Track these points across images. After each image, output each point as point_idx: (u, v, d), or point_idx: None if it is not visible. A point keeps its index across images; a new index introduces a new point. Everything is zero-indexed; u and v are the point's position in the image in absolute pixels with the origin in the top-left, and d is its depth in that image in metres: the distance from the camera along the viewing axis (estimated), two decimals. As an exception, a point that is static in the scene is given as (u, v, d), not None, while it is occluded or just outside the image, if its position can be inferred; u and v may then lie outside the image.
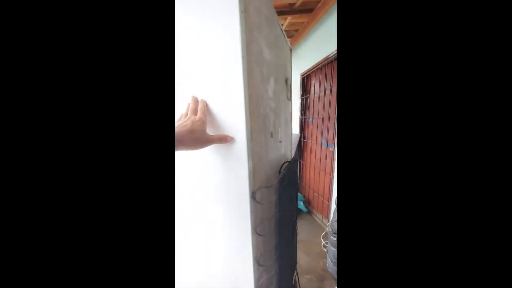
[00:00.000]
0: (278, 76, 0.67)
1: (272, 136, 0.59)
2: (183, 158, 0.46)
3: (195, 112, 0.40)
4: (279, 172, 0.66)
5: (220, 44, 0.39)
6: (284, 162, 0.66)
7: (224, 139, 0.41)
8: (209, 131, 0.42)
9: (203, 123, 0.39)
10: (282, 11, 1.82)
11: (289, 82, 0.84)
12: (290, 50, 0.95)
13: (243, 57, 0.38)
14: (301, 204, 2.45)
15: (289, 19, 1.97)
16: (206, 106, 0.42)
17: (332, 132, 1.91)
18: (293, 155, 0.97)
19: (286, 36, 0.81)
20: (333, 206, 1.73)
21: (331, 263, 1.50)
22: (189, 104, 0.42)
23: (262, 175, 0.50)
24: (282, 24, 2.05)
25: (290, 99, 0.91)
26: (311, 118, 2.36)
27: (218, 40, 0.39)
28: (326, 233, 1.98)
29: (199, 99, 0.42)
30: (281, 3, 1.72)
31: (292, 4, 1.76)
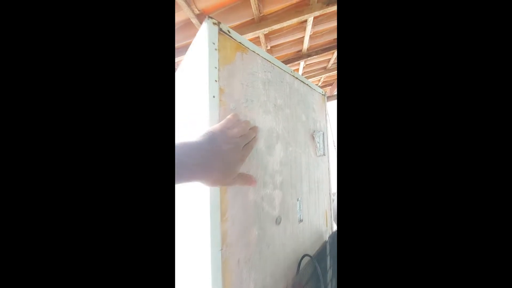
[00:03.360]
0: (295, 137, 0.55)
1: (277, 221, 0.45)
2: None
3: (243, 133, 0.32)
4: (297, 269, 0.47)
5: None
6: (304, 256, 0.48)
7: (249, 181, 0.32)
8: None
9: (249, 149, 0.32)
10: (328, 48, 1.74)
11: (318, 135, 0.69)
12: (323, 95, 0.81)
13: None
14: None
15: (336, 53, 1.84)
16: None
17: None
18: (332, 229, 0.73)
19: (309, 84, 0.70)
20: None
21: None
22: (234, 117, 0.33)
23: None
24: (329, 60, 1.93)
25: (324, 154, 0.74)
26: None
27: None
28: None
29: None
30: (326, 40, 1.65)
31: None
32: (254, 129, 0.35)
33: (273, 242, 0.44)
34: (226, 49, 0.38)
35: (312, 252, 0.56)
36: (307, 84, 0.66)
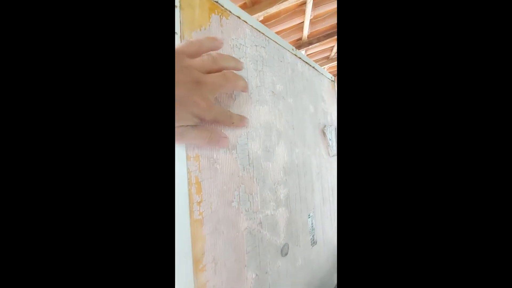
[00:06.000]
0: (302, 135, 0.42)
1: (284, 252, 0.32)
2: None
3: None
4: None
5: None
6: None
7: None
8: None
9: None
10: (330, 33, 1.59)
11: (330, 131, 0.56)
12: (333, 81, 0.68)
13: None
14: None
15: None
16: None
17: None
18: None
19: (315, 67, 0.57)
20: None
21: None
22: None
23: None
24: (332, 48, 1.78)
25: (336, 153, 0.61)
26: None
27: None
28: None
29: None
30: (328, 25, 1.50)
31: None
32: (236, 63, 0.26)
33: (279, 282, 0.31)
34: (194, 7, 0.25)
35: (331, 282, 0.43)
36: (313, 67, 0.53)
